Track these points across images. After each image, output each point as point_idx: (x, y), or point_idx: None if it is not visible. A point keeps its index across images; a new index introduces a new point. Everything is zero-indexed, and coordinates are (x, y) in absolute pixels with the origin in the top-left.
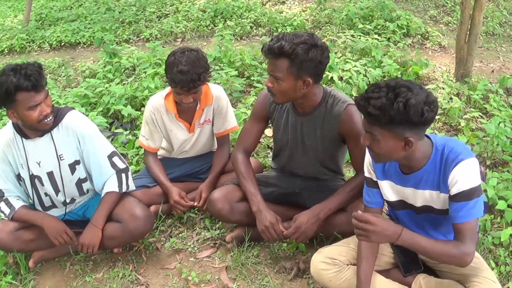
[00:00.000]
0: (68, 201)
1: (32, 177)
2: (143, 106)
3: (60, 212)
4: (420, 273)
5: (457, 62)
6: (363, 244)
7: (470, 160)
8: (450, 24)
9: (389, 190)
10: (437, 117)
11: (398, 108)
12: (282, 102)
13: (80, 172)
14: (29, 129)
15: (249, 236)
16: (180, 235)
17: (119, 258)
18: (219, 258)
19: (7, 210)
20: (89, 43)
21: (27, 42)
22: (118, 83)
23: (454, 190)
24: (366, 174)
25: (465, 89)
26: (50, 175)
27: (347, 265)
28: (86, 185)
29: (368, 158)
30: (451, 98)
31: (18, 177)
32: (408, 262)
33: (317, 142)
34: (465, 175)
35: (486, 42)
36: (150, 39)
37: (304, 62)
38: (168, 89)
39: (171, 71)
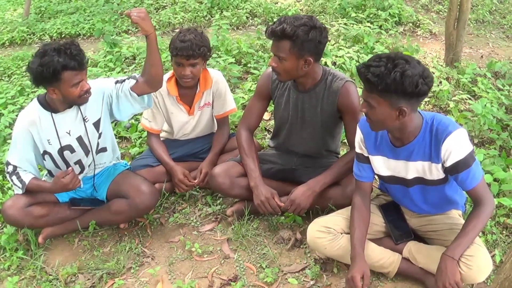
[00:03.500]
0: (96, 162)
1: (61, 150)
2: None
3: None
4: (411, 240)
5: (447, 48)
6: (355, 213)
7: (459, 131)
8: (441, 12)
9: (381, 165)
10: (427, 99)
11: (395, 77)
12: (285, 80)
13: (102, 128)
14: (68, 104)
15: (248, 210)
16: (183, 211)
17: (125, 233)
18: (221, 231)
19: (19, 184)
20: (88, 34)
21: (27, 35)
22: (119, 72)
23: (450, 161)
24: (357, 150)
25: (454, 73)
26: (80, 139)
27: (341, 233)
28: (101, 140)
29: (359, 134)
30: (440, 82)
31: (43, 155)
32: (399, 231)
33: (316, 118)
34: (457, 145)
35: (476, 29)
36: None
37: (305, 43)
38: (170, 73)
39: (174, 41)
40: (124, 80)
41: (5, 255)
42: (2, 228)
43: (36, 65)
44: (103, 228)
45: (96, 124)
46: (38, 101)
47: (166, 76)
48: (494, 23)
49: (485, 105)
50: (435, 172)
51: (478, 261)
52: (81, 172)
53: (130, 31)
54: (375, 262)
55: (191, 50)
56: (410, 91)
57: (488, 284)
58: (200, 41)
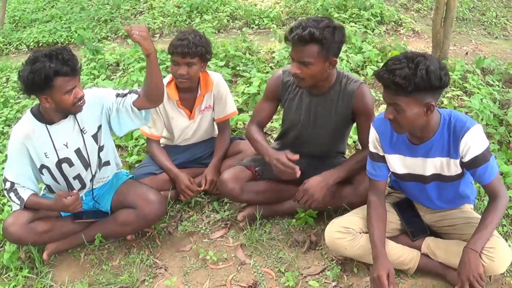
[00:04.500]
0: (96, 175)
1: (59, 163)
2: None
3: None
4: (427, 236)
5: (434, 46)
6: (372, 212)
7: (476, 126)
8: (420, 11)
9: (397, 163)
10: None
11: (422, 75)
12: (309, 85)
13: (102, 140)
14: (61, 113)
15: (260, 214)
16: (191, 218)
17: (133, 245)
18: (232, 238)
19: (17, 201)
20: (67, 42)
21: (4, 45)
22: (104, 79)
23: (469, 156)
24: (372, 149)
25: None
26: (78, 152)
27: (360, 233)
28: (103, 154)
29: (374, 134)
30: None
31: (40, 170)
32: (414, 227)
33: (329, 121)
34: (475, 140)
35: (458, 26)
36: (127, 35)
37: (331, 44)
38: (169, 77)
39: (173, 41)
40: (126, 94)
41: (9, 275)
42: (2, 246)
43: (27, 72)
44: (109, 240)
45: (95, 136)
46: (31, 113)
47: (165, 80)
48: (474, 20)
49: (481, 100)
50: (453, 168)
51: (500, 252)
52: (82, 188)
53: (109, 37)
54: (395, 260)
55: (187, 48)
56: (437, 85)
57: (506, 275)
58: (199, 41)
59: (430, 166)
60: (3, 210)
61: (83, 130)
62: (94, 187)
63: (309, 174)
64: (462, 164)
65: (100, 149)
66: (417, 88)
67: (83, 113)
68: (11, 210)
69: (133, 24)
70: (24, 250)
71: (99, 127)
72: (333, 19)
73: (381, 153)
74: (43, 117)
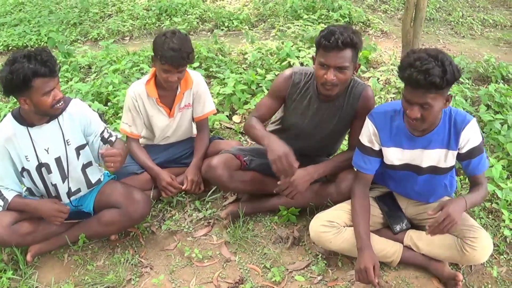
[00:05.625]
0: (73, 190)
1: (39, 167)
2: (109, 101)
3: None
4: (409, 229)
5: (404, 46)
6: (357, 203)
7: (474, 120)
8: (387, 12)
9: (394, 156)
10: (393, 95)
11: (451, 71)
12: (339, 92)
13: (84, 157)
14: (40, 115)
15: (243, 211)
16: (173, 218)
17: (117, 244)
18: (216, 235)
19: (0, 202)
20: (36, 45)
21: None
22: (77, 81)
23: (467, 147)
24: (366, 143)
25: None
26: (58, 160)
27: (344, 227)
28: (89, 170)
29: (372, 128)
30: None
31: (21, 172)
32: (397, 221)
33: (332, 125)
34: (474, 133)
35: (425, 27)
36: (98, 38)
37: (360, 49)
38: (147, 76)
39: (162, 49)
40: (108, 140)
41: None
42: None
43: (5, 73)
44: (92, 241)
45: (77, 151)
46: (12, 115)
47: (144, 79)
48: (441, 20)
49: (454, 97)
50: (449, 160)
51: (482, 242)
52: (56, 198)
53: (79, 40)
54: (379, 252)
55: (182, 59)
56: (458, 77)
57: (486, 265)
58: (189, 48)
59: (428, 158)
60: None
61: (67, 141)
62: (72, 198)
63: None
64: (458, 156)
65: (86, 166)
66: (448, 84)
67: (68, 124)
68: None
69: (109, 147)
70: (6, 252)
71: (81, 144)
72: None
73: (376, 148)
74: (24, 119)
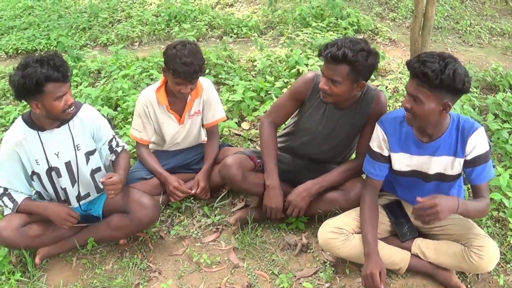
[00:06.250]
0: (82, 194)
1: (49, 170)
2: (118, 106)
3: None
4: (416, 237)
5: (412, 54)
6: (366, 209)
7: (481, 129)
8: (396, 20)
9: (402, 162)
10: (401, 103)
11: (449, 74)
12: (333, 102)
13: (94, 162)
14: (51, 119)
15: (252, 218)
16: (182, 223)
17: (126, 249)
18: (225, 241)
19: (10, 204)
20: (46, 49)
21: None
22: (86, 86)
23: (472, 154)
24: (376, 149)
25: None
26: (68, 165)
27: (352, 234)
28: (98, 176)
29: (381, 133)
30: None
31: (31, 176)
32: (404, 229)
33: (345, 132)
34: (480, 140)
35: (433, 35)
36: (107, 43)
37: (363, 68)
38: (158, 83)
39: (174, 63)
40: (114, 149)
41: (0, 279)
42: None
43: (18, 77)
44: (101, 245)
45: (87, 156)
46: (23, 119)
47: (154, 86)
48: (449, 28)
49: (462, 106)
50: (456, 167)
51: (489, 251)
52: (67, 202)
53: (88, 45)
54: (386, 260)
55: (195, 73)
56: (459, 88)
57: (493, 273)
58: (200, 59)
59: (435, 164)
60: None
61: (77, 146)
62: (81, 203)
63: (302, 176)
64: (464, 162)
65: (95, 171)
66: (441, 84)
67: (78, 129)
68: (0, 214)
69: (110, 175)
70: (15, 254)
71: (91, 150)
72: (369, 42)
73: (386, 153)
74: (35, 123)
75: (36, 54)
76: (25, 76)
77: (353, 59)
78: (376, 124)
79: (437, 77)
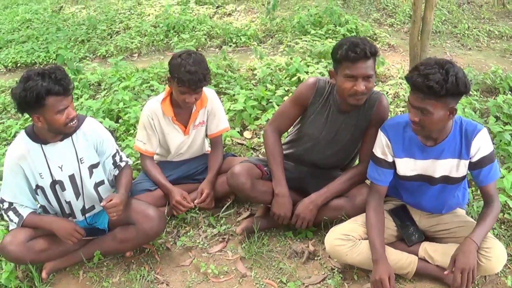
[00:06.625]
0: (87, 207)
1: (53, 184)
2: (120, 118)
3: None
4: (423, 241)
5: (411, 59)
6: (372, 215)
7: (485, 130)
8: (394, 26)
9: (407, 167)
10: (402, 109)
11: (452, 81)
12: (365, 100)
13: (97, 175)
14: (53, 133)
15: (258, 227)
16: (188, 234)
17: (132, 261)
18: (231, 251)
19: (15, 219)
20: (45, 62)
21: None
22: (87, 98)
23: (477, 156)
24: (379, 155)
25: None
26: (72, 178)
27: (359, 240)
28: (102, 189)
29: (385, 140)
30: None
31: (35, 190)
32: (411, 233)
33: (348, 136)
34: (484, 142)
35: (432, 39)
36: (106, 55)
37: (376, 59)
38: (162, 94)
39: (179, 71)
40: (117, 164)
41: None
42: None
43: (19, 90)
44: (107, 258)
45: (90, 169)
46: (26, 133)
47: (159, 97)
48: (447, 32)
49: (464, 109)
50: (461, 169)
51: (496, 252)
52: (71, 217)
53: (88, 57)
54: (394, 264)
55: (199, 82)
56: (463, 91)
57: (500, 275)
58: (205, 69)
59: (440, 167)
60: None
61: (81, 159)
62: (86, 216)
63: (307, 183)
64: (469, 165)
65: (98, 184)
66: (447, 92)
67: (81, 142)
68: (5, 229)
69: (110, 197)
70: (21, 269)
71: (94, 163)
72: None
73: (390, 159)
74: (38, 137)
75: (38, 67)
76: (26, 89)
77: (376, 51)
78: (379, 131)
79: (442, 88)
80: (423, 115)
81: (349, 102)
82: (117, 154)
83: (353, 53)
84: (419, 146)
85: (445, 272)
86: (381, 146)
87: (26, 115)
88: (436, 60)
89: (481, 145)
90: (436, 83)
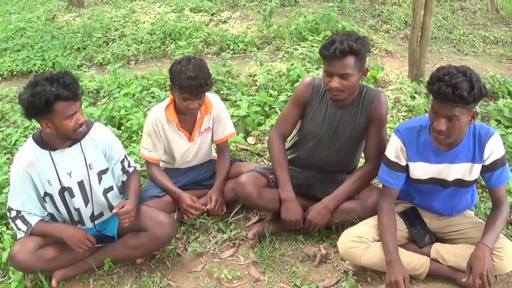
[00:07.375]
0: (96, 214)
1: (62, 191)
2: (122, 125)
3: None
4: (434, 243)
5: (410, 64)
6: (384, 218)
7: (497, 133)
8: (390, 32)
9: (421, 171)
10: (403, 113)
11: (478, 87)
12: (346, 97)
13: (106, 181)
14: (62, 139)
15: (269, 231)
16: (198, 239)
17: (143, 268)
18: (243, 256)
19: (23, 227)
20: (41, 70)
21: None
22: (87, 106)
23: (490, 159)
24: (393, 159)
25: (422, 88)
26: (81, 184)
27: (373, 242)
28: (111, 195)
29: (399, 143)
30: (414, 96)
31: (44, 197)
32: (422, 235)
33: (348, 132)
34: (497, 145)
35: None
36: (103, 63)
37: (364, 55)
38: (166, 101)
39: (180, 78)
40: (126, 170)
41: None
42: (4, 276)
43: (27, 96)
44: (117, 265)
45: (99, 175)
46: (33, 139)
47: (163, 104)
48: (443, 38)
49: None
50: (474, 173)
51: (508, 252)
52: (80, 223)
53: (84, 65)
54: (407, 265)
55: (200, 86)
56: (485, 94)
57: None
58: (207, 75)
59: (454, 171)
60: (1, 238)
61: (90, 165)
62: (95, 223)
63: (315, 188)
64: (482, 168)
65: (107, 190)
66: (475, 99)
67: (90, 148)
68: (11, 237)
69: (122, 203)
70: (29, 279)
71: (103, 169)
72: (355, 31)
73: (403, 163)
74: (46, 143)
75: (46, 73)
76: (34, 95)
77: (357, 49)
78: (393, 134)
79: (470, 95)
80: (450, 123)
81: (329, 96)
82: (125, 159)
83: (327, 51)
84: (433, 150)
85: (463, 280)
86: (395, 150)
87: (26, 123)
88: (456, 68)
89: (494, 149)
90: (466, 92)
